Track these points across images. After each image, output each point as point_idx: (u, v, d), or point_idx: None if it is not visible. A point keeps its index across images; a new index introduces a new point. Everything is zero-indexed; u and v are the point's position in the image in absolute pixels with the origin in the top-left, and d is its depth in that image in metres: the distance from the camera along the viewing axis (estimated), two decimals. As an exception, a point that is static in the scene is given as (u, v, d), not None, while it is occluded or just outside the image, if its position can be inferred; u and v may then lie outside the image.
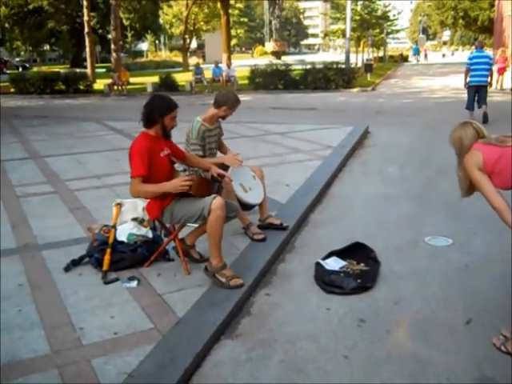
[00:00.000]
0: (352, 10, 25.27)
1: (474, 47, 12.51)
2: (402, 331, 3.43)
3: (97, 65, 34.00)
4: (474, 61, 11.87)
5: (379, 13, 34.90)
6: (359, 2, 33.89)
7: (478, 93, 11.91)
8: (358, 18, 31.29)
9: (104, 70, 37.46)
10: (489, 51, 34.74)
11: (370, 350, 3.21)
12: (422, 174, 7.52)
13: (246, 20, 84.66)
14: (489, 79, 11.91)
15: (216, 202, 3.77)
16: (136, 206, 4.74)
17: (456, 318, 3.55)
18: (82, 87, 23.97)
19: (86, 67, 31.19)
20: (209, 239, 3.88)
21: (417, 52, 51.13)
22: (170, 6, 50.46)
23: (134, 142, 3.96)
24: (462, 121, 3.44)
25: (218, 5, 38.28)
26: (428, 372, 2.99)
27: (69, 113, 16.36)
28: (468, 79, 11.91)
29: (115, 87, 23.41)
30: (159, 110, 3.89)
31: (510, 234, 3.06)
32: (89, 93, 23.62)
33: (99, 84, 25.45)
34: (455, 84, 16.34)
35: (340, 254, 4.46)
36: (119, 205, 4.65)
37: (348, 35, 23.94)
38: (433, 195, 6.50)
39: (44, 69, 35.75)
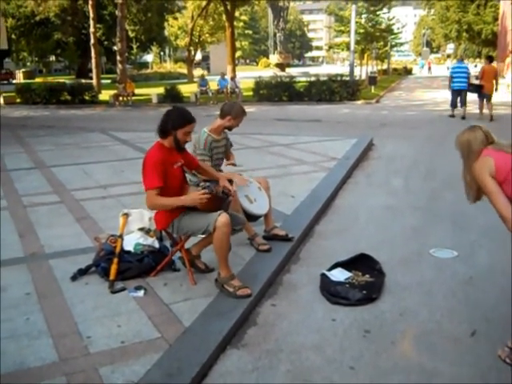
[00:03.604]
0: (356, 23, 25.39)
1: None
2: (408, 342, 3.45)
3: (102, 76, 34.21)
4: (456, 70, 15.50)
5: (383, 26, 35.09)
6: (363, 15, 34.06)
7: (460, 96, 15.35)
8: (362, 31, 31.46)
9: (109, 80, 37.73)
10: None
11: (376, 360, 3.23)
12: (426, 186, 7.54)
13: (250, 32, 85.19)
14: (467, 85, 15.20)
15: (221, 219, 3.79)
16: (142, 216, 4.77)
17: (461, 330, 3.56)
18: (87, 98, 24.09)
19: (91, 78, 31.39)
20: (216, 253, 3.93)
21: (422, 66, 56.20)
22: (175, 18, 50.82)
23: (148, 152, 3.99)
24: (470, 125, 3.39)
25: (223, 17, 38.62)
26: (433, 382, 3.00)
27: (74, 123, 16.45)
28: (451, 85, 15.43)
29: (120, 98, 23.54)
30: (174, 122, 3.88)
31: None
32: (94, 103, 23.73)
33: (104, 95, 25.61)
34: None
35: (345, 265, 4.48)
36: (126, 215, 4.68)
37: (352, 48, 24.05)
38: (437, 207, 6.52)
39: (49, 79, 36.00)
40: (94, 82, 28.35)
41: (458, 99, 15.48)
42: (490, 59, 16.10)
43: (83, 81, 29.68)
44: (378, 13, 34.32)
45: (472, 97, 15.64)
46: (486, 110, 15.14)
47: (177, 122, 3.89)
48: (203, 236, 4.23)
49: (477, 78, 15.56)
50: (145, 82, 40.89)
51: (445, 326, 3.62)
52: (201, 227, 3.89)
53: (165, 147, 3.96)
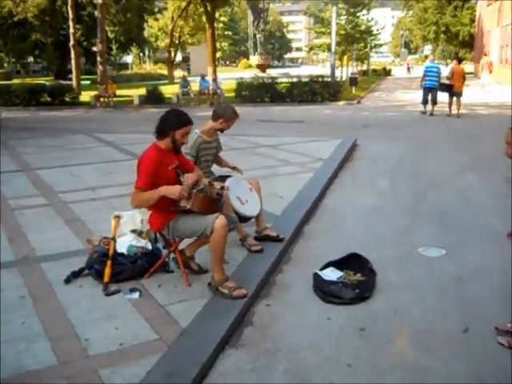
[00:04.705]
0: (337, 24, 25.57)
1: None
2: (403, 340, 3.51)
3: (81, 77, 33.83)
4: (428, 69, 16.59)
5: (363, 28, 35.36)
6: (343, 17, 34.29)
7: (431, 93, 16.41)
8: (342, 32, 31.67)
9: (88, 82, 37.40)
10: (470, 65, 35.54)
11: (373, 358, 3.28)
12: (410, 186, 7.66)
13: (230, 33, 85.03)
14: (437, 84, 16.27)
15: (219, 222, 3.82)
16: (134, 219, 4.77)
17: (453, 327, 3.64)
18: (68, 99, 23.81)
19: (70, 79, 31.04)
20: (212, 256, 3.96)
21: (412, 66, 55.38)
22: (156, 20, 50.58)
23: (144, 153, 3.99)
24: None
25: (204, 18, 38.53)
26: (430, 379, 3.07)
27: (57, 125, 16.24)
28: (423, 83, 16.56)
29: (102, 99, 23.37)
30: (172, 123, 3.92)
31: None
32: (75, 105, 23.48)
33: (85, 96, 25.36)
34: (439, 98, 16.63)
35: (337, 264, 4.53)
36: (117, 217, 4.69)
37: (333, 49, 24.21)
38: (423, 206, 6.63)
39: (27, 80, 35.52)
40: (74, 83, 28.07)
41: (429, 97, 16.57)
42: (458, 60, 17.54)
43: (62, 82, 29.33)
44: (357, 14, 34.62)
45: (442, 96, 16.59)
46: (454, 107, 16.19)
47: (175, 124, 3.92)
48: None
49: (447, 77, 16.49)
50: (125, 83, 40.56)
51: (437, 324, 3.70)
52: (197, 230, 3.91)
53: (161, 149, 3.98)
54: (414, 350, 3.37)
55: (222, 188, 4.23)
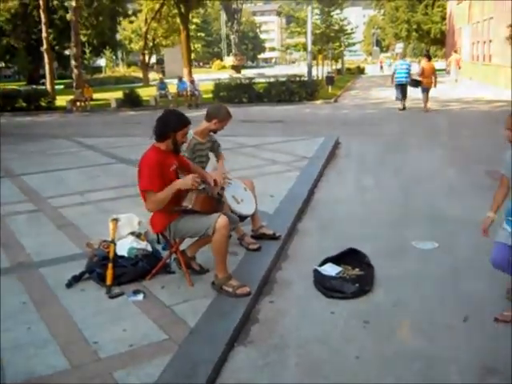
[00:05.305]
0: (312, 23, 25.74)
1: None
2: (406, 331, 3.59)
3: (55, 81, 33.40)
4: (398, 66, 17.34)
5: (336, 27, 35.64)
6: (317, 16, 34.51)
7: (401, 88, 17.02)
8: (318, 31, 31.88)
9: (62, 86, 36.92)
10: (442, 61, 35.94)
11: (379, 349, 3.36)
12: (396, 182, 7.78)
13: (203, 35, 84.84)
14: (408, 80, 16.92)
15: (221, 221, 3.85)
16: (132, 221, 4.79)
17: (453, 316, 3.74)
18: (43, 104, 23.48)
19: (43, 84, 30.59)
20: (215, 256, 3.98)
21: (389, 64, 54.66)
22: (130, 22, 50.21)
23: (144, 155, 3.99)
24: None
25: (177, 20, 38.41)
26: (435, 367, 3.15)
27: (35, 130, 16.03)
28: (395, 79, 17.19)
29: (78, 103, 23.11)
30: (173, 125, 3.94)
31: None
32: (51, 110, 23.15)
33: (60, 101, 25.00)
34: (415, 94, 16.92)
35: (335, 260, 4.59)
36: (115, 220, 4.68)
37: (309, 48, 24.37)
38: (409, 201, 6.75)
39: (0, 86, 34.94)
40: (49, 87, 27.68)
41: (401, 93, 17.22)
42: (428, 57, 17.57)
43: (35, 87, 28.89)
44: (331, 14, 34.89)
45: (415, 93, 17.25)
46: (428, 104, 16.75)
47: (176, 125, 3.94)
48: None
49: (418, 74, 16.84)
50: (99, 86, 40.16)
51: (438, 314, 3.79)
52: (199, 230, 3.93)
53: (161, 150, 3.99)
54: (417, 341, 3.44)
55: (222, 188, 4.26)
